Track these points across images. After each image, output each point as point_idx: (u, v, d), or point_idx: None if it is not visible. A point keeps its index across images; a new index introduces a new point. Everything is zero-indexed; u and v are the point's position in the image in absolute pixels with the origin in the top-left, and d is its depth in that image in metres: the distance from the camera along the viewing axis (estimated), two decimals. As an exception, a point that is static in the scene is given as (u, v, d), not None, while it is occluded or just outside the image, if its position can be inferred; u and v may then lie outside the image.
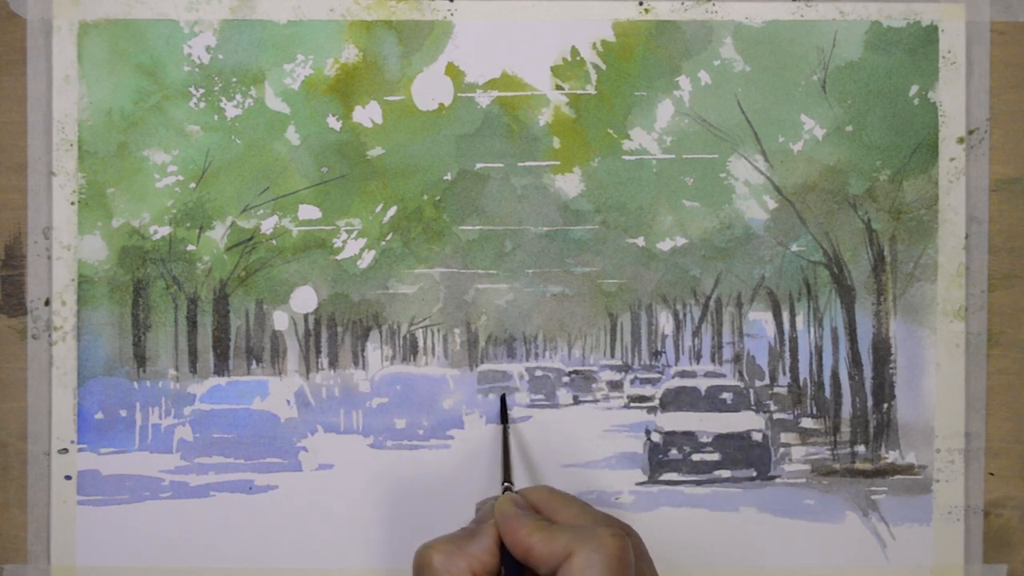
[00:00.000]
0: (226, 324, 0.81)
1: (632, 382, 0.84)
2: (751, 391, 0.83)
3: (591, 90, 0.80)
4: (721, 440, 0.82)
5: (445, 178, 0.81)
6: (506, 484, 0.71)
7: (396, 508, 0.79)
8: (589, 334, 0.83)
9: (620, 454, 0.81)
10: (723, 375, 0.83)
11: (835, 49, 0.80)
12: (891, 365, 0.81)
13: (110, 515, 0.79)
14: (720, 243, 0.81)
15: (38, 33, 0.79)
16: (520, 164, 0.81)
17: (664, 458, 0.82)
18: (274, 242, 0.81)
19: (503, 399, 0.80)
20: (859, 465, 0.81)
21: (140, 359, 0.80)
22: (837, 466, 0.81)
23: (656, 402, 0.83)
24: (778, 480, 0.81)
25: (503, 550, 0.64)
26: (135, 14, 0.79)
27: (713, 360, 0.83)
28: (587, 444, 0.81)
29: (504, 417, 0.79)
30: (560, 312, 0.82)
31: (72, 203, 0.79)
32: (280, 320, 0.81)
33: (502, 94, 0.80)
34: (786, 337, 0.82)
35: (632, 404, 0.83)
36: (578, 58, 0.80)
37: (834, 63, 0.80)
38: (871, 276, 0.81)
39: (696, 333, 0.83)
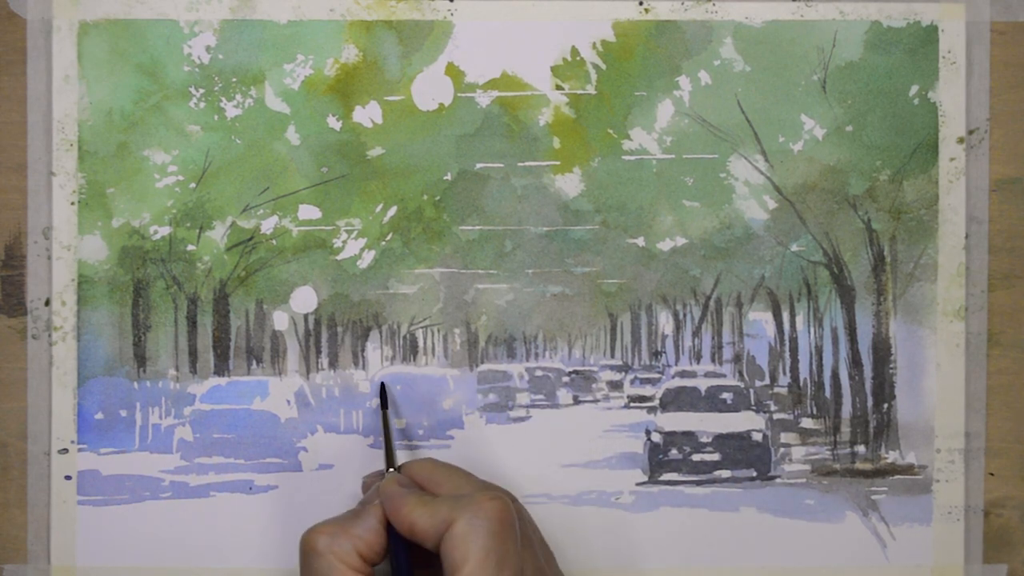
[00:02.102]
0: (226, 324, 0.81)
1: (632, 382, 0.84)
2: (751, 391, 0.83)
3: (591, 90, 0.80)
4: (721, 440, 0.82)
5: (445, 178, 0.81)
6: (390, 468, 0.73)
7: (396, 508, 0.79)
8: (589, 334, 0.83)
9: (620, 454, 0.81)
10: (723, 375, 0.83)
11: (835, 49, 0.80)
12: (891, 365, 0.81)
13: (110, 515, 0.79)
14: (720, 243, 0.81)
15: (38, 33, 0.79)
16: (520, 164, 0.81)
17: (664, 458, 0.82)
18: (274, 242, 0.81)
19: (382, 385, 0.80)
20: (859, 465, 0.81)
21: (140, 359, 0.80)
22: (837, 466, 0.81)
23: (656, 402, 0.83)
24: (778, 480, 0.81)
25: (390, 529, 0.64)
26: (135, 14, 0.79)
27: (713, 360, 0.83)
28: (587, 444, 0.81)
29: (384, 403, 0.79)
30: (560, 312, 0.82)
31: (72, 203, 0.79)
32: (280, 320, 0.81)
33: (502, 94, 0.80)
34: (786, 337, 0.82)
35: (632, 404, 0.83)
36: (578, 58, 0.80)
37: (834, 63, 0.80)
38: (871, 276, 0.81)
39: (696, 333, 0.83)
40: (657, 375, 0.83)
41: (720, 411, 0.83)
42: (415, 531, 0.63)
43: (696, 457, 0.82)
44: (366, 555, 0.65)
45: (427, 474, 0.69)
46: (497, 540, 0.61)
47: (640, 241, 0.81)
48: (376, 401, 0.80)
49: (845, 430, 0.81)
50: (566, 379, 0.84)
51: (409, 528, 0.63)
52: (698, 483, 0.81)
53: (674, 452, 0.82)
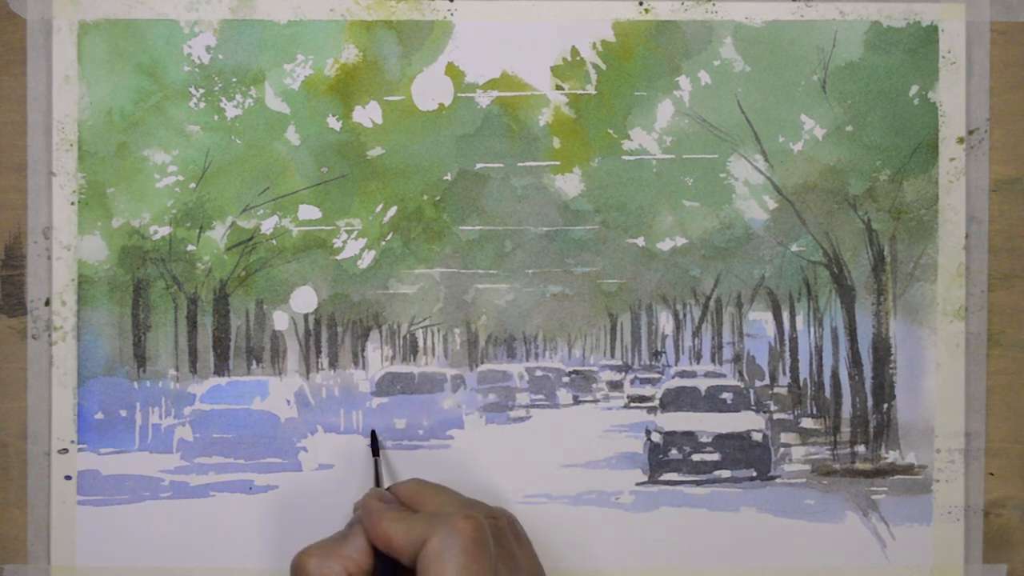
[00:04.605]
0: (226, 324, 0.81)
1: (632, 382, 0.84)
2: (751, 391, 0.83)
3: (591, 90, 0.80)
4: (721, 440, 0.82)
5: (445, 178, 0.81)
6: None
7: (396, 508, 0.79)
8: (589, 334, 0.83)
9: (620, 454, 0.81)
10: (723, 375, 0.83)
11: (835, 49, 0.80)
12: (891, 365, 0.81)
13: (110, 515, 0.79)
14: (720, 243, 0.81)
15: (38, 33, 0.79)
16: (520, 164, 0.81)
17: (664, 458, 0.82)
18: (274, 242, 0.81)
19: (373, 433, 0.80)
20: (859, 465, 0.81)
21: (140, 359, 0.80)
22: (837, 466, 0.81)
23: (656, 402, 0.83)
24: (778, 480, 0.81)
25: (376, 547, 0.65)
26: (135, 14, 0.79)
27: (713, 360, 0.83)
28: (587, 444, 0.81)
29: (375, 450, 0.79)
30: (560, 312, 0.82)
31: (72, 203, 0.79)
32: (280, 320, 0.81)
33: (502, 94, 0.80)
34: (786, 337, 0.82)
35: (632, 404, 0.83)
36: (578, 58, 0.80)
37: (834, 63, 0.80)
38: (871, 276, 0.81)
39: (696, 333, 0.83)
40: (657, 375, 0.83)
41: (720, 411, 0.83)
42: (392, 546, 0.64)
43: (696, 457, 0.82)
44: (355, 575, 0.65)
45: (412, 494, 0.70)
46: (470, 558, 0.61)
47: (640, 241, 0.81)
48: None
49: (845, 430, 0.81)
50: (566, 379, 0.84)
51: (386, 543, 0.64)
52: (698, 483, 0.81)
53: (674, 452, 0.82)
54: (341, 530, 0.69)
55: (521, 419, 0.82)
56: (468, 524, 0.62)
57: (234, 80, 0.80)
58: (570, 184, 0.81)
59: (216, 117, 0.80)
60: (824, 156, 0.80)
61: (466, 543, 0.61)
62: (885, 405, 0.81)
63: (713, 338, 0.83)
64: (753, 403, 0.82)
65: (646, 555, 0.80)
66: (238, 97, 0.80)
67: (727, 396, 0.83)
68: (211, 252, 0.81)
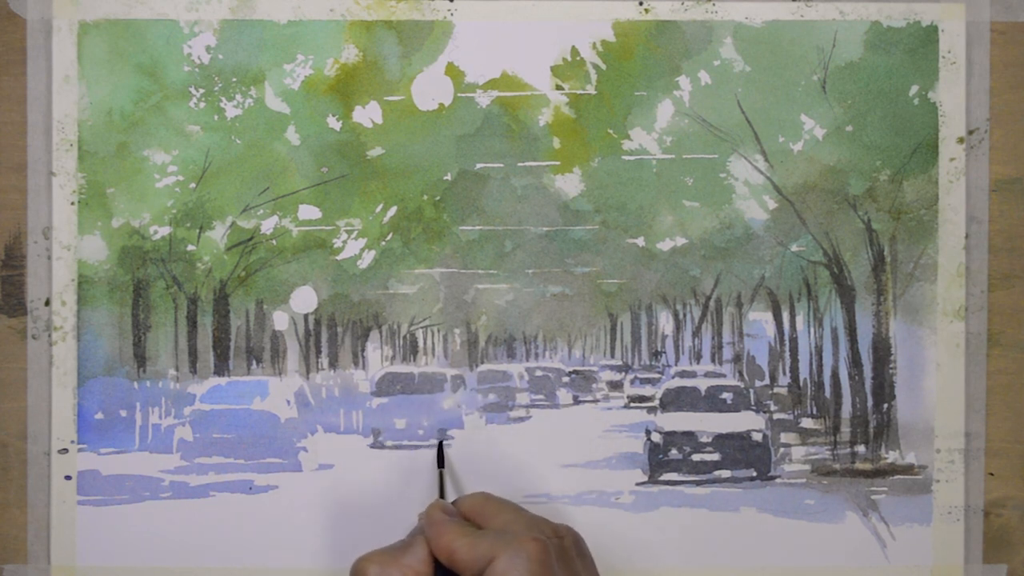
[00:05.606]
0: (226, 324, 0.81)
1: (632, 382, 0.84)
2: (751, 391, 0.83)
3: (591, 90, 0.80)
4: (721, 440, 0.82)
5: (445, 178, 0.81)
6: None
7: (396, 508, 0.79)
8: (589, 334, 0.83)
9: (620, 454, 0.81)
10: (723, 375, 0.83)
11: (835, 49, 0.80)
12: (891, 365, 0.81)
13: (110, 515, 0.79)
14: (720, 243, 0.81)
15: (38, 33, 0.79)
16: (520, 164, 0.81)
17: (664, 458, 0.82)
18: (274, 242, 0.81)
19: (440, 445, 0.80)
20: (859, 465, 0.81)
21: (140, 359, 0.80)
22: (837, 466, 0.81)
23: (656, 402, 0.83)
24: (778, 480, 0.81)
25: (436, 560, 0.65)
26: (135, 14, 0.80)
27: (713, 360, 0.83)
28: (587, 444, 0.81)
29: (440, 462, 0.79)
30: (560, 312, 0.82)
31: (72, 203, 0.79)
32: (280, 320, 0.81)
33: (502, 94, 0.80)
34: (786, 337, 0.82)
35: (632, 404, 0.83)
36: (578, 58, 0.80)
37: (834, 63, 0.80)
38: (871, 276, 0.81)
39: (696, 333, 0.83)
40: (657, 375, 0.83)
41: (720, 411, 0.83)
42: (455, 560, 0.64)
43: (696, 457, 0.82)
44: None
45: (478, 508, 0.69)
46: None
47: (640, 241, 0.81)
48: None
49: (845, 430, 0.81)
50: (566, 379, 0.84)
51: (448, 556, 0.64)
52: (698, 483, 0.81)
53: (674, 452, 0.82)
54: (403, 539, 0.68)
55: (521, 419, 0.82)
56: (535, 546, 0.62)
57: (234, 80, 0.80)
58: (570, 184, 0.81)
59: (216, 117, 0.80)
60: (824, 156, 0.80)
61: (533, 565, 0.61)
62: (885, 405, 0.81)
63: (713, 338, 0.83)
64: (753, 403, 0.83)
65: (646, 555, 0.80)
66: (238, 97, 0.80)
67: (727, 396, 0.83)
68: (211, 252, 0.81)
